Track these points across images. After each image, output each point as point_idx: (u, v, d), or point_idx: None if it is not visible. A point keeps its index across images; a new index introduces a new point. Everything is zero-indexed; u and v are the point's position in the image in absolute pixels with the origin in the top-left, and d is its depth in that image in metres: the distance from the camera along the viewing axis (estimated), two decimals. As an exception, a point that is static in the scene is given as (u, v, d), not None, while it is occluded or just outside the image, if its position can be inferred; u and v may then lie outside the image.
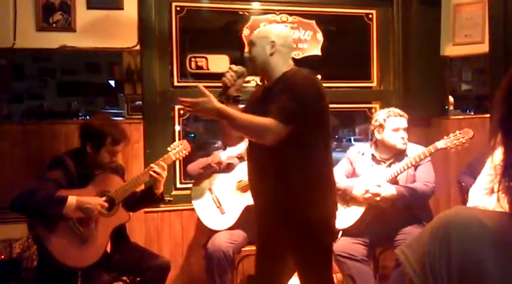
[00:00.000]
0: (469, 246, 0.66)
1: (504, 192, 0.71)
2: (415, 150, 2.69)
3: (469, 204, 2.16)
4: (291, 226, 1.88)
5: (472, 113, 3.56)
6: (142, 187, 2.54)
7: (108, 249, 2.36)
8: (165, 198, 2.76)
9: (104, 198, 2.31)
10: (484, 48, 3.31)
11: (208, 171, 2.84)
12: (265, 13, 3.38)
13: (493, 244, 0.65)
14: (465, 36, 3.40)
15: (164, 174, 2.48)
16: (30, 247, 2.39)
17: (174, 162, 2.80)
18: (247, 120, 1.83)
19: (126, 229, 2.54)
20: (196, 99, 1.79)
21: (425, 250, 0.71)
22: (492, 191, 2.03)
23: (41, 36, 2.96)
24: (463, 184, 2.85)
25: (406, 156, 2.70)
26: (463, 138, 2.53)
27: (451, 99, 3.60)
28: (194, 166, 2.86)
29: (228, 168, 2.88)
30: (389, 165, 2.71)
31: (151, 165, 2.48)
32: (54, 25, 2.97)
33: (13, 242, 2.57)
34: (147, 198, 2.53)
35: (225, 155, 2.85)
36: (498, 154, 0.73)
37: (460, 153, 2.63)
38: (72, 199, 2.18)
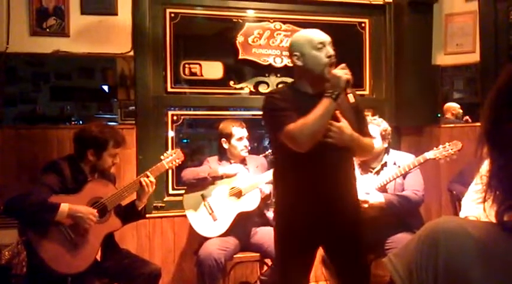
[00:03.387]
0: (455, 255, 0.66)
1: (490, 201, 0.72)
2: (404, 158, 2.71)
3: (461, 213, 2.18)
4: (355, 222, 2.03)
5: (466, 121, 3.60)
6: (134, 195, 2.52)
7: (98, 257, 2.34)
8: (146, 214, 2.71)
9: (95, 209, 2.30)
10: (475, 57, 3.35)
11: (202, 183, 2.84)
12: (259, 21, 3.40)
13: (479, 254, 0.66)
14: (456, 46, 3.45)
15: (152, 187, 2.46)
16: (20, 253, 2.37)
17: (167, 170, 2.80)
18: (364, 142, 2.01)
19: (114, 236, 2.52)
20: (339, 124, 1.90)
21: (412, 258, 0.72)
22: (484, 200, 2.06)
23: (34, 40, 2.95)
24: (453, 192, 2.87)
25: (394, 164, 2.72)
26: (452, 149, 2.57)
27: (457, 106, 3.62)
28: (189, 175, 2.85)
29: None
30: (377, 173, 2.73)
31: (147, 173, 2.47)
32: (47, 30, 2.97)
33: (2, 248, 2.54)
34: (128, 213, 2.48)
35: (223, 170, 2.85)
36: (486, 165, 0.74)
37: (451, 161, 2.65)
38: (64, 207, 2.16)
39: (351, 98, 1.90)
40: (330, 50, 1.93)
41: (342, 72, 1.87)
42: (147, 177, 2.44)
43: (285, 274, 2.06)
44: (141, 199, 2.46)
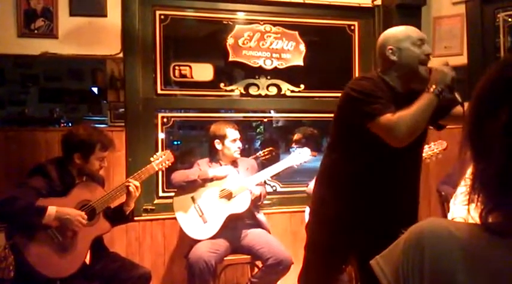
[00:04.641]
0: (440, 258, 0.67)
1: (474, 203, 0.73)
2: None
3: (449, 215, 2.20)
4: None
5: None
6: (123, 198, 2.50)
7: (87, 260, 2.32)
8: (136, 217, 2.69)
9: (84, 211, 2.28)
10: (463, 60, 3.39)
11: (192, 185, 2.82)
12: (250, 23, 3.40)
13: (464, 256, 0.67)
14: (444, 48, 3.48)
15: (137, 192, 2.45)
16: (7, 257, 2.34)
17: (157, 172, 2.78)
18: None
19: (103, 239, 2.50)
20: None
21: (399, 261, 0.72)
22: (469, 202, 2.09)
23: (22, 42, 2.93)
24: (442, 193, 2.90)
25: None
26: (437, 149, 2.61)
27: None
28: (179, 177, 2.84)
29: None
30: None
31: (129, 180, 2.45)
32: (36, 31, 2.94)
33: (-11, 252, 2.51)
34: (116, 215, 2.48)
35: (213, 172, 2.84)
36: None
37: (439, 162, 2.68)
38: (51, 210, 2.14)
39: (459, 97, 1.71)
40: (428, 48, 1.82)
41: (447, 68, 1.72)
42: (129, 182, 2.42)
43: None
44: (128, 203, 2.45)
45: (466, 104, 1.80)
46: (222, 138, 2.90)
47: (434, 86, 1.69)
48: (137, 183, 2.44)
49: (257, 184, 2.89)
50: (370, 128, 1.68)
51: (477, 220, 0.73)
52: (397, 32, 1.85)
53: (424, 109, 1.65)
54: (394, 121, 1.63)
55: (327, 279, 1.92)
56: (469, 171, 0.72)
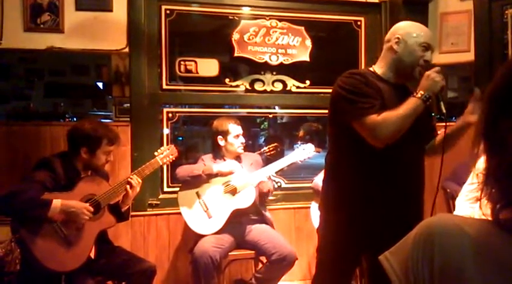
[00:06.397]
0: (450, 254, 0.67)
1: (486, 199, 0.73)
2: None
3: (455, 213, 2.19)
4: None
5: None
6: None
7: (92, 254, 2.33)
8: (139, 212, 2.68)
9: (89, 203, 2.29)
10: (469, 56, 3.37)
11: (196, 181, 2.83)
12: (255, 18, 3.39)
13: (474, 252, 0.66)
14: (451, 45, 3.46)
15: (137, 189, 2.44)
16: (13, 250, 2.35)
17: (161, 166, 2.78)
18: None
19: (108, 233, 2.50)
20: None
21: (408, 257, 0.72)
22: (477, 199, 2.07)
23: (28, 36, 2.93)
24: (447, 190, 2.89)
25: None
26: None
27: None
28: (183, 172, 2.84)
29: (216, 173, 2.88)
30: None
31: (130, 176, 2.45)
32: (41, 26, 2.95)
33: (-5, 245, 2.52)
34: (115, 212, 2.46)
35: (217, 168, 2.84)
36: (481, 162, 0.75)
37: (444, 159, 2.66)
38: (56, 203, 2.15)
39: (443, 108, 1.75)
40: (429, 56, 1.81)
41: (438, 77, 1.71)
42: (129, 179, 2.41)
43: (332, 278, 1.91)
44: (125, 202, 2.45)
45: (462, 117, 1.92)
46: (225, 134, 2.90)
47: (422, 92, 1.70)
48: (139, 179, 2.44)
49: (269, 178, 2.89)
50: (354, 126, 1.70)
51: (487, 216, 0.73)
52: (411, 26, 1.85)
53: (409, 114, 1.66)
54: (378, 122, 1.65)
55: (340, 280, 1.91)
56: (481, 167, 0.72)
